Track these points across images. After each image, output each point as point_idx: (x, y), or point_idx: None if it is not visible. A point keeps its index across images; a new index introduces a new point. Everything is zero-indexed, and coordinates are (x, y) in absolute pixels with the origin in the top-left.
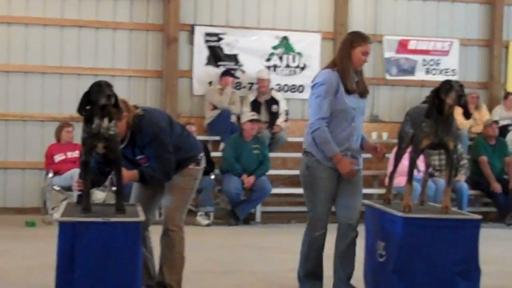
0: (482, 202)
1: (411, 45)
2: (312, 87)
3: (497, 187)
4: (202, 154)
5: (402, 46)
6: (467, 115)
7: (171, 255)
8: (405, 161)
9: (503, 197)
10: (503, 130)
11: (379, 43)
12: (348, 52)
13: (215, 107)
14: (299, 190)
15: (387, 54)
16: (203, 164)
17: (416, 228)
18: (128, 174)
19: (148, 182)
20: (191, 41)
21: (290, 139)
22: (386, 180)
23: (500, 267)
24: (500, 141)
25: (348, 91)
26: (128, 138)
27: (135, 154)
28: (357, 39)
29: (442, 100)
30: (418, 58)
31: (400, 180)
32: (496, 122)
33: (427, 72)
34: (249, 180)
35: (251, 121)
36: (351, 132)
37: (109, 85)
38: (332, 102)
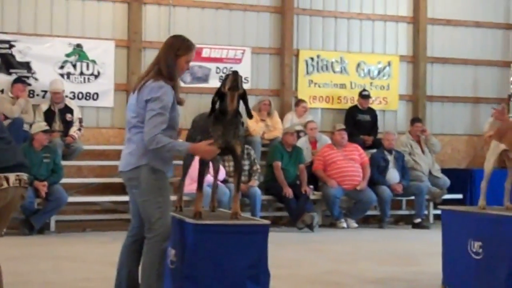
0: (275, 207)
1: (205, 53)
2: (151, 100)
3: (289, 192)
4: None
5: (196, 54)
6: (248, 114)
7: None
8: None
9: (294, 202)
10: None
11: None
12: (173, 61)
13: (6, 117)
14: (95, 198)
15: None
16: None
17: (207, 235)
18: None
19: None
20: None
21: (85, 147)
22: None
23: (291, 270)
24: (296, 148)
25: (178, 103)
26: None
27: None
28: (183, 47)
29: (223, 93)
30: (212, 66)
31: (193, 187)
32: (299, 131)
33: (221, 80)
34: (43, 184)
35: (43, 131)
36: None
37: None
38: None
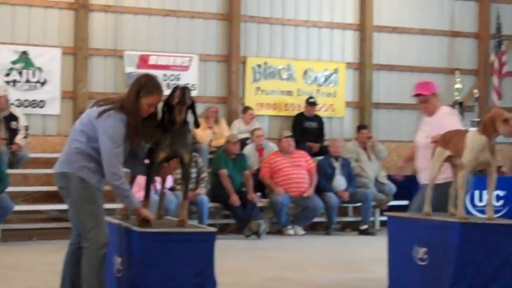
0: (222, 214)
1: (152, 61)
2: (105, 132)
3: (235, 199)
4: None
5: (143, 62)
6: (196, 123)
7: None
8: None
9: (241, 210)
10: (242, 144)
11: (120, 58)
12: (135, 100)
13: None
14: (41, 207)
15: (128, 69)
16: None
17: (153, 243)
18: None
19: None
20: None
21: (31, 155)
22: None
23: (238, 278)
24: (240, 155)
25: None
26: None
27: None
28: (145, 89)
29: (171, 105)
30: (159, 73)
31: (140, 195)
32: (246, 139)
33: (168, 87)
34: None
35: None
36: None
37: None
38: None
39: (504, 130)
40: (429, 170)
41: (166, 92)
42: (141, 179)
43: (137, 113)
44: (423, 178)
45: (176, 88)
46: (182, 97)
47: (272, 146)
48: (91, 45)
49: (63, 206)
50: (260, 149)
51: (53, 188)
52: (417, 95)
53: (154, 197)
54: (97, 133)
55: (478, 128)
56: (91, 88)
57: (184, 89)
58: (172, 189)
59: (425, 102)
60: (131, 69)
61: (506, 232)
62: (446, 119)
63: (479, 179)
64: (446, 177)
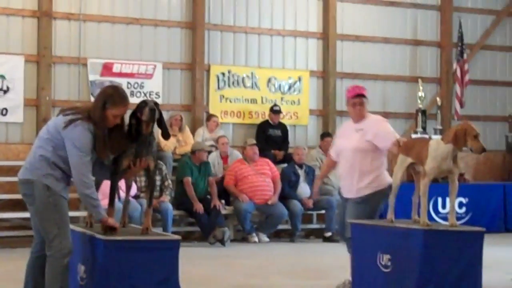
0: (187, 222)
1: (116, 68)
2: (72, 143)
3: (199, 207)
4: None
5: (107, 69)
6: (165, 135)
7: None
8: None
9: (206, 217)
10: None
11: (84, 66)
12: (101, 111)
13: None
14: (5, 215)
15: (91, 77)
16: None
17: (117, 251)
18: None
19: None
20: None
21: None
22: None
23: (202, 286)
24: (205, 163)
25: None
26: None
27: None
28: (110, 101)
29: (139, 118)
30: (123, 81)
31: (104, 202)
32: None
33: (132, 95)
34: None
35: None
36: None
37: None
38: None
39: (472, 145)
40: (392, 177)
41: (132, 100)
42: (105, 187)
43: (104, 123)
44: (346, 189)
45: (145, 104)
46: (151, 117)
47: (237, 154)
48: (54, 53)
49: (26, 214)
50: (224, 157)
51: (17, 196)
52: (361, 95)
53: (118, 204)
54: (63, 142)
55: (442, 137)
56: (54, 96)
57: (154, 111)
58: (136, 197)
59: (363, 105)
60: (95, 77)
61: (468, 239)
62: (385, 124)
63: (442, 186)
64: (376, 186)
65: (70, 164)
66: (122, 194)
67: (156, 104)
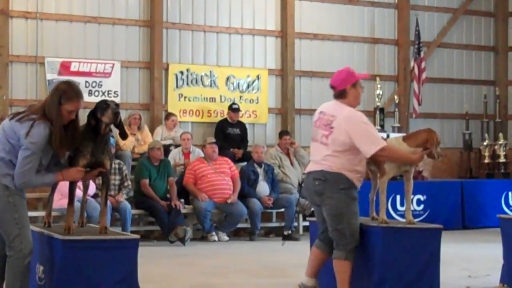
0: (146, 221)
1: (73, 67)
2: (26, 142)
3: (163, 204)
4: None
5: (64, 68)
6: (123, 135)
7: None
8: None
9: (166, 216)
10: (165, 150)
11: (41, 65)
12: (56, 107)
13: None
14: None
15: (49, 76)
16: None
17: (76, 250)
18: None
19: None
20: None
21: None
22: None
23: (162, 285)
24: (164, 162)
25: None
26: None
27: None
28: (65, 96)
29: (99, 119)
30: (81, 80)
31: (62, 202)
32: (169, 145)
33: (90, 94)
34: None
35: None
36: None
37: None
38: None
39: (436, 153)
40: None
41: (91, 99)
42: (63, 186)
43: (60, 120)
44: None
45: (106, 105)
46: (114, 120)
47: (199, 151)
48: (11, 52)
49: None
50: (186, 153)
51: None
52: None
53: (77, 204)
54: (19, 141)
55: (403, 137)
56: (11, 95)
57: (117, 114)
58: (95, 196)
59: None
60: (53, 76)
61: (426, 236)
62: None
63: (400, 184)
64: None
65: (18, 156)
66: (80, 193)
67: (117, 105)
